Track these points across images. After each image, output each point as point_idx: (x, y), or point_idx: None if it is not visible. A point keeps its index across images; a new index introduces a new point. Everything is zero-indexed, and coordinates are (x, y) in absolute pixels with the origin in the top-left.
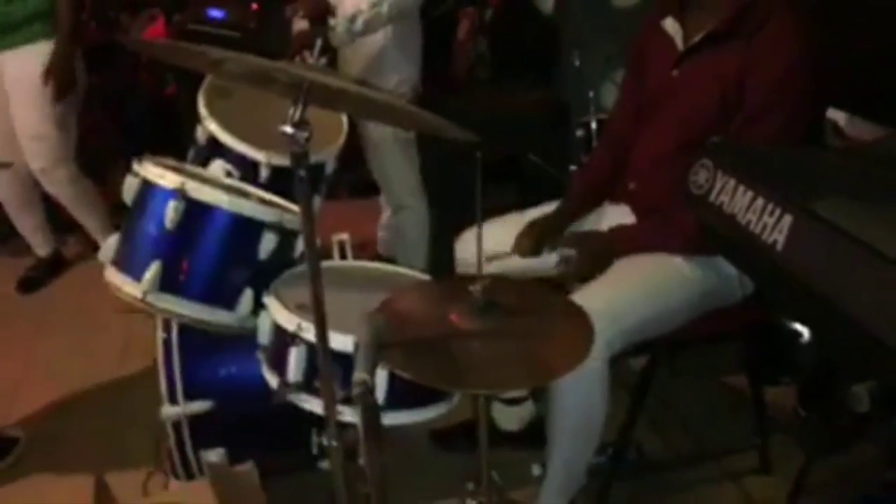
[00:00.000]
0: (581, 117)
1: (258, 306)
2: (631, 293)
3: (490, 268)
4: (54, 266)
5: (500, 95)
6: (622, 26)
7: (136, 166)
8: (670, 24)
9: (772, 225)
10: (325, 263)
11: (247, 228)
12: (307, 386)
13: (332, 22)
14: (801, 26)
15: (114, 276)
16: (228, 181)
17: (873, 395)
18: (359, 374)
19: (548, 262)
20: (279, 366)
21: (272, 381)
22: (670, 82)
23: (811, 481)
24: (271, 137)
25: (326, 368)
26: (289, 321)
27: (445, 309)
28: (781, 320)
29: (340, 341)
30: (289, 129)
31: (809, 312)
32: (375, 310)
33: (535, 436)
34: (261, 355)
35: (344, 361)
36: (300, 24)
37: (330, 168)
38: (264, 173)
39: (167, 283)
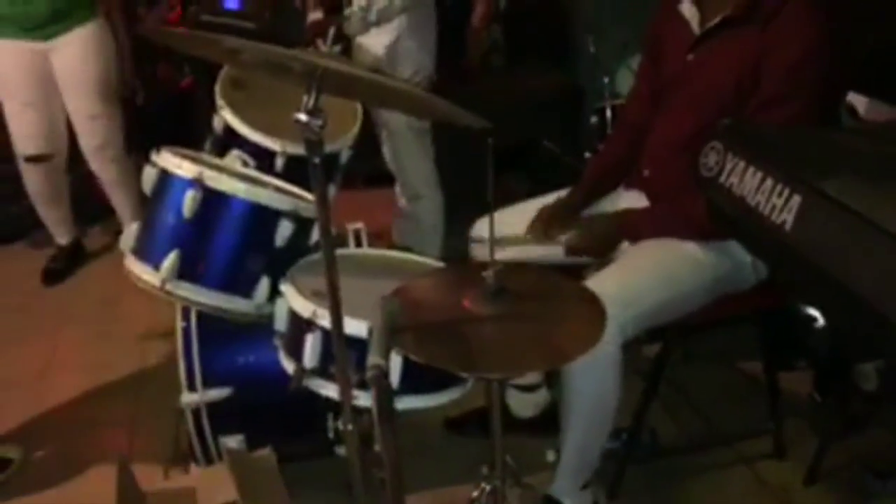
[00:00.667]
0: (596, 104)
1: (275, 294)
2: (644, 278)
3: (504, 254)
4: (74, 255)
5: (515, 82)
6: (637, 12)
7: (154, 157)
8: (687, 9)
9: (781, 206)
10: (341, 251)
11: (263, 217)
12: (323, 371)
13: (346, 11)
14: (817, 12)
15: (133, 265)
16: (245, 170)
17: (881, 373)
18: (373, 358)
19: (561, 248)
20: (296, 352)
21: (289, 367)
22: (686, 67)
23: (825, 466)
24: (287, 127)
25: (341, 354)
26: (304, 308)
27: (458, 294)
28: (796, 305)
29: (355, 327)
30: (303, 117)
31: (818, 292)
32: (389, 295)
33: (549, 422)
34: (277, 342)
35: (359, 346)
36: (315, 14)
37: (344, 157)
38: (280, 162)
39: (185, 272)
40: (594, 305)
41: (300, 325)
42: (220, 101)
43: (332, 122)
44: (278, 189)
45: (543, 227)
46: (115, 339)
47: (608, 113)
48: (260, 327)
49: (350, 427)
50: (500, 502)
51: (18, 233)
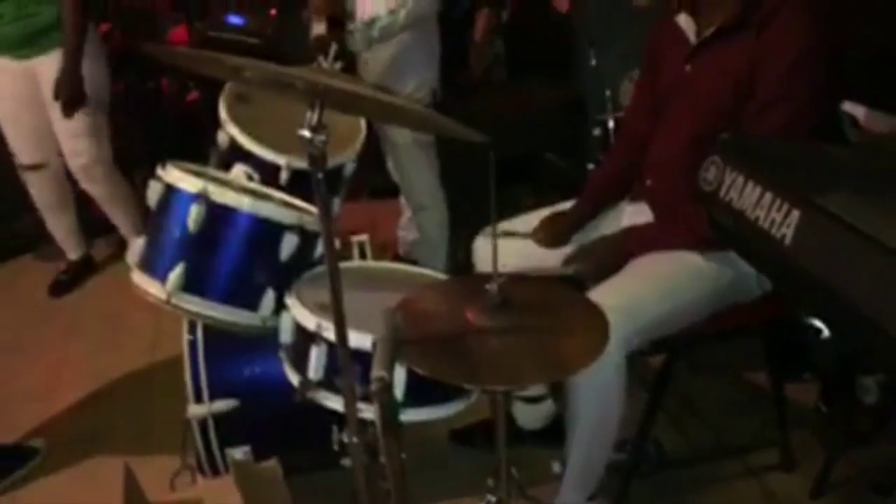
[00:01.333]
0: (598, 116)
1: (280, 306)
2: (647, 290)
3: (507, 258)
4: (85, 270)
5: (517, 96)
6: (639, 25)
7: (159, 171)
8: (684, 20)
9: (780, 220)
10: (345, 264)
11: (268, 230)
12: (328, 384)
13: (349, 27)
14: (810, 18)
15: (140, 279)
16: (250, 184)
17: (882, 386)
18: (377, 371)
19: (562, 258)
20: (301, 364)
21: (294, 379)
22: (684, 77)
23: (833, 478)
24: (291, 141)
25: (346, 366)
26: (309, 321)
27: (462, 307)
28: (801, 316)
29: (359, 340)
30: (306, 133)
31: (819, 306)
32: (393, 308)
33: (555, 434)
34: (283, 354)
35: (363, 359)
36: (318, 30)
37: (349, 170)
38: (284, 176)
39: (191, 285)
40: (598, 317)
41: (305, 338)
42: (224, 116)
43: (335, 136)
44: (283, 203)
45: (549, 234)
46: (122, 351)
47: (610, 125)
48: (265, 339)
49: (355, 439)
50: None
51: (27, 246)
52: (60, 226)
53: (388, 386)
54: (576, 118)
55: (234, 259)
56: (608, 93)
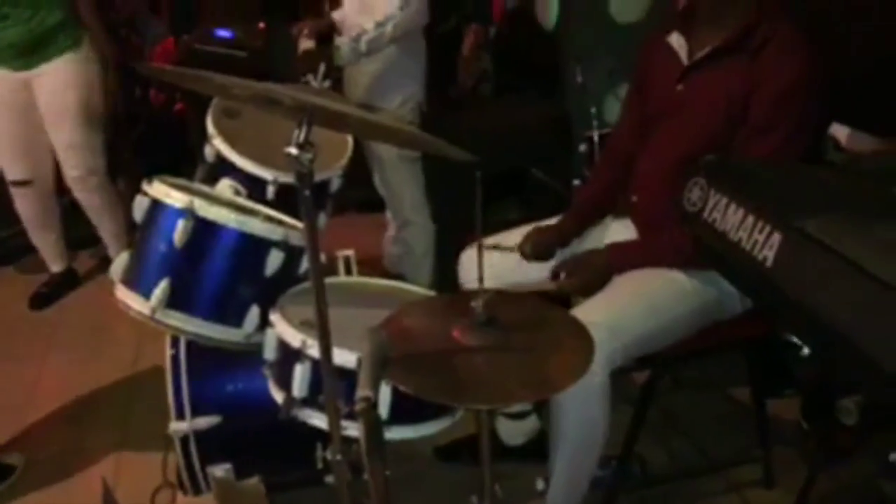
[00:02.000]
0: (584, 132)
1: (264, 323)
2: (631, 307)
3: (492, 271)
4: (67, 283)
5: (504, 111)
6: (624, 42)
7: (145, 186)
8: (675, 39)
9: (762, 242)
10: (330, 280)
11: (253, 246)
12: (312, 401)
13: (336, 41)
14: (804, 45)
15: (123, 294)
16: (236, 199)
17: (861, 408)
18: (362, 390)
19: (547, 273)
20: (285, 382)
21: (278, 396)
22: (675, 96)
23: (815, 494)
24: (278, 155)
25: (330, 384)
26: (294, 338)
27: (448, 324)
28: (783, 333)
29: (344, 357)
30: (293, 151)
31: (799, 327)
32: (378, 326)
33: (539, 450)
34: (267, 371)
35: (348, 377)
36: (306, 44)
37: (335, 185)
38: (271, 191)
39: (175, 301)
40: (583, 335)
41: (289, 355)
42: (211, 130)
43: (323, 151)
44: (269, 218)
45: (534, 248)
46: (104, 366)
47: (596, 141)
48: (249, 355)
49: (339, 457)
50: None
51: (8, 258)
52: (44, 240)
53: (372, 405)
54: (561, 134)
55: (219, 275)
56: (594, 109)
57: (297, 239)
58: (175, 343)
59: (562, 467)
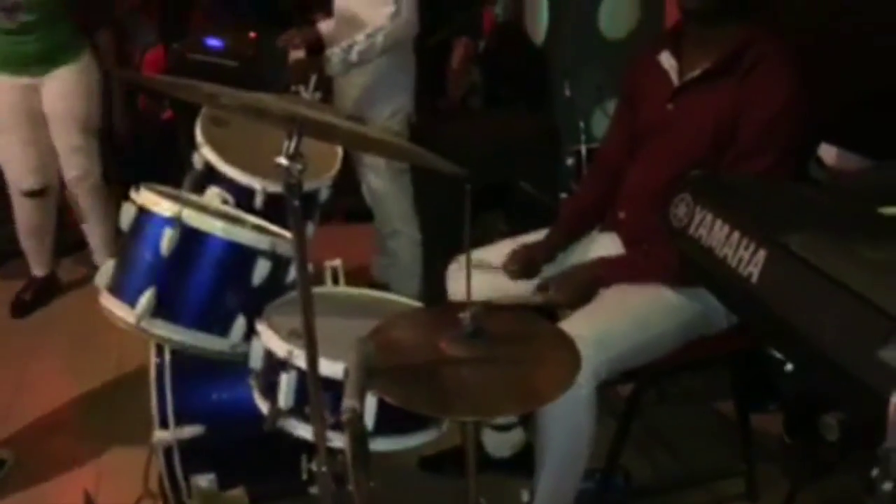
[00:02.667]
0: (572, 146)
1: (251, 332)
2: (618, 321)
3: (479, 287)
4: (48, 288)
5: (493, 123)
6: (612, 57)
7: (133, 194)
8: (666, 59)
9: (747, 259)
10: (318, 290)
11: (241, 255)
12: (298, 412)
13: (327, 52)
14: (793, 68)
15: (109, 302)
16: (224, 208)
17: (843, 424)
18: (348, 401)
19: (534, 286)
20: (270, 392)
21: (263, 407)
22: (665, 115)
23: None
24: (267, 165)
25: (316, 395)
26: (280, 348)
27: (435, 336)
28: (767, 348)
29: (331, 368)
30: (283, 162)
31: (784, 344)
32: (365, 337)
33: (525, 462)
34: (252, 381)
35: (334, 388)
36: (297, 54)
37: (324, 195)
38: (259, 200)
39: (161, 310)
40: (569, 348)
41: (275, 365)
42: (200, 139)
43: (312, 162)
44: (257, 227)
45: (520, 266)
46: (86, 373)
47: (583, 155)
48: (235, 364)
49: (324, 469)
50: None
51: None
52: (37, 244)
53: (358, 416)
54: (549, 147)
55: (205, 284)
56: (582, 123)
57: (284, 248)
58: (160, 351)
59: (547, 479)
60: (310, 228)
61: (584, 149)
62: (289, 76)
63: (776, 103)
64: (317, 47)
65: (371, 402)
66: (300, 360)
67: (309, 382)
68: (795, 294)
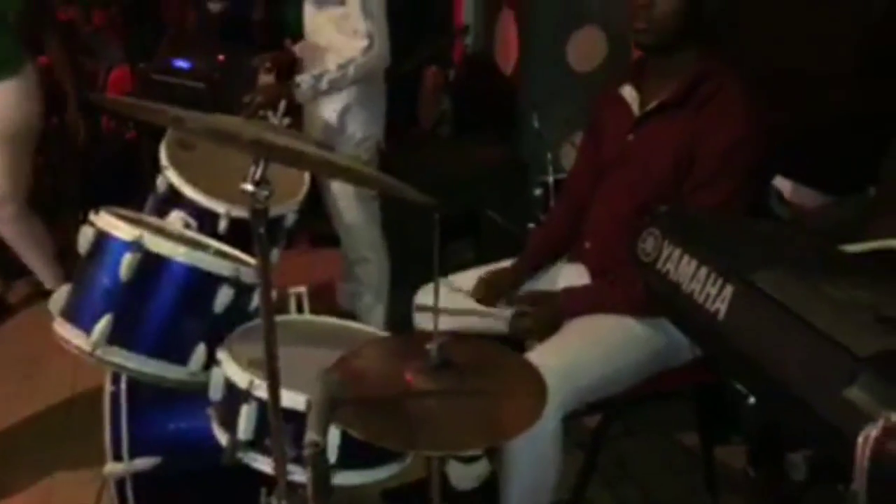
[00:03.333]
0: (539, 177)
1: (211, 361)
2: (585, 353)
3: (447, 321)
4: None
5: (462, 153)
6: (581, 90)
7: (92, 216)
8: (628, 92)
9: (714, 294)
10: (281, 318)
11: (203, 282)
12: (258, 444)
13: (297, 78)
14: (749, 100)
15: (62, 329)
16: (186, 232)
17: (810, 463)
18: (310, 435)
19: (502, 317)
20: (230, 423)
21: (222, 438)
22: (626, 147)
23: None
24: (231, 189)
25: (277, 427)
26: (241, 378)
27: (401, 367)
28: (730, 381)
29: (293, 399)
30: (249, 188)
31: (750, 380)
32: (329, 368)
33: (489, 494)
34: (211, 412)
35: (296, 420)
36: (267, 78)
37: (290, 220)
38: (223, 224)
39: (118, 337)
40: (536, 380)
41: (236, 396)
42: (164, 162)
43: (279, 187)
44: (219, 253)
45: (488, 290)
46: (35, 401)
47: (551, 186)
48: (194, 393)
49: (284, 503)
50: None
51: None
52: None
53: (321, 451)
54: (518, 177)
55: (165, 311)
56: (549, 155)
57: (248, 275)
58: (115, 379)
59: None
60: (275, 254)
61: (551, 179)
62: (256, 100)
63: (732, 134)
64: (289, 72)
65: (334, 435)
66: (261, 390)
67: (270, 414)
68: (762, 331)
